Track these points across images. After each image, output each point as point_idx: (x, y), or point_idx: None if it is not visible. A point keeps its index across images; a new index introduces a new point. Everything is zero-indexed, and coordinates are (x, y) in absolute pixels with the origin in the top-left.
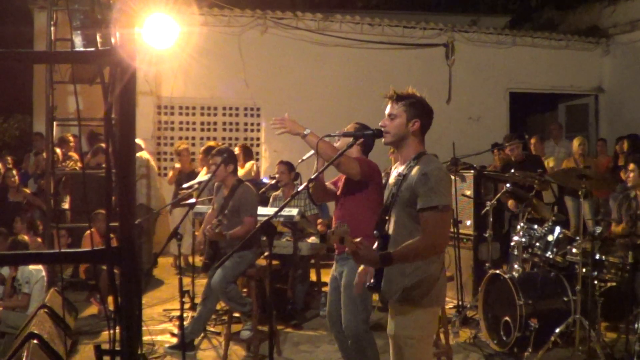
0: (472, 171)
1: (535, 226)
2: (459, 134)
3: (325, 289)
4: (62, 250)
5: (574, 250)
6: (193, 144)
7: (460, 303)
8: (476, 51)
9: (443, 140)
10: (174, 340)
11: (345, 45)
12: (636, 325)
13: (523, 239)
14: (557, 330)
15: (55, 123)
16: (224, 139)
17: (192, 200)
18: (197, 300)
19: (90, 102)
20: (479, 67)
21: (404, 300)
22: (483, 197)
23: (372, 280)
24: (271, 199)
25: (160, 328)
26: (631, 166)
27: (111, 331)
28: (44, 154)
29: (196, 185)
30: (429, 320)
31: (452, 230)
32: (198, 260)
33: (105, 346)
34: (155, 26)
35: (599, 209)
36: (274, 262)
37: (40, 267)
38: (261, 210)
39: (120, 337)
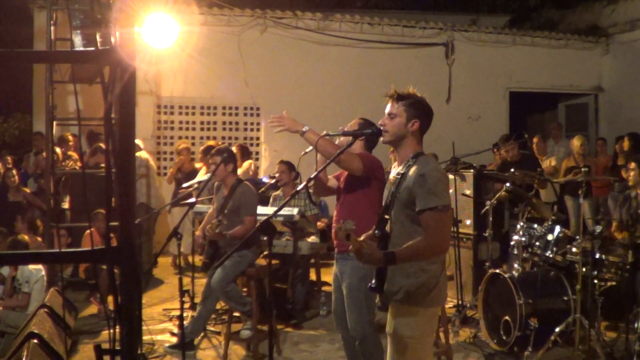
0: (472, 170)
1: (535, 225)
2: (458, 134)
3: (325, 288)
4: (62, 249)
5: (574, 249)
6: (193, 144)
7: (460, 302)
8: (476, 51)
9: (443, 140)
10: (174, 340)
11: (344, 44)
12: (636, 325)
13: (523, 238)
14: (557, 329)
15: (55, 122)
16: (223, 138)
17: (192, 199)
18: (197, 299)
19: (90, 102)
20: (478, 67)
21: (405, 300)
22: (483, 197)
23: (374, 281)
24: (271, 199)
25: (160, 327)
26: (632, 165)
27: (111, 331)
28: (44, 154)
29: (196, 185)
30: (430, 319)
31: (452, 229)
32: (198, 260)
33: (105, 346)
34: (155, 26)
35: (598, 208)
36: (274, 262)
37: (40, 266)
38: (261, 209)
39: (120, 337)
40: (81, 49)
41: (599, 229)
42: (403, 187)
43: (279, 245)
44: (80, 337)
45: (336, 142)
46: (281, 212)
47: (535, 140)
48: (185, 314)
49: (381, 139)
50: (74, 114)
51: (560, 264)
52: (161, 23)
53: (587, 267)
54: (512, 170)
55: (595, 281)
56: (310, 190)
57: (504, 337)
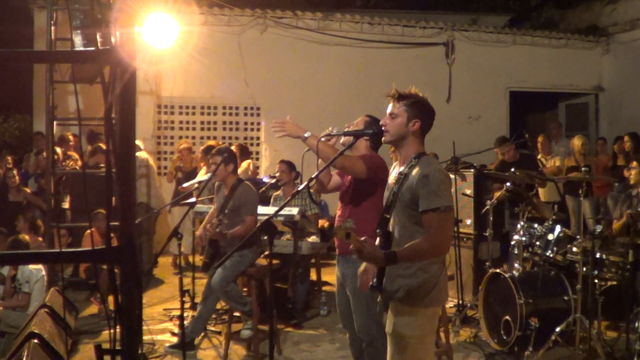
0: (472, 170)
1: (536, 225)
2: (459, 133)
3: (326, 288)
4: (63, 249)
5: (575, 249)
6: (193, 143)
7: (460, 302)
8: (476, 50)
9: (443, 139)
10: (175, 340)
11: (345, 44)
12: (636, 324)
13: (523, 238)
14: (558, 329)
15: (55, 122)
16: (223, 138)
17: (192, 199)
18: (198, 299)
19: (90, 102)
20: (479, 66)
21: (405, 300)
22: (483, 196)
23: (374, 280)
24: (272, 199)
25: (160, 327)
26: (634, 164)
27: (111, 330)
28: (44, 154)
29: (196, 185)
30: (430, 319)
31: (453, 230)
32: (198, 260)
33: (106, 345)
34: (155, 25)
35: (599, 208)
36: (275, 262)
37: (40, 266)
38: (262, 209)
39: (120, 337)
40: (81, 49)
41: (599, 228)
42: (405, 187)
43: (280, 245)
44: (80, 337)
45: (341, 141)
46: (281, 212)
47: (540, 139)
48: (185, 314)
49: (382, 139)
50: (74, 113)
51: (561, 263)
52: (161, 23)
53: (588, 266)
54: (513, 170)
55: (596, 281)
56: (312, 190)
57: (505, 337)
